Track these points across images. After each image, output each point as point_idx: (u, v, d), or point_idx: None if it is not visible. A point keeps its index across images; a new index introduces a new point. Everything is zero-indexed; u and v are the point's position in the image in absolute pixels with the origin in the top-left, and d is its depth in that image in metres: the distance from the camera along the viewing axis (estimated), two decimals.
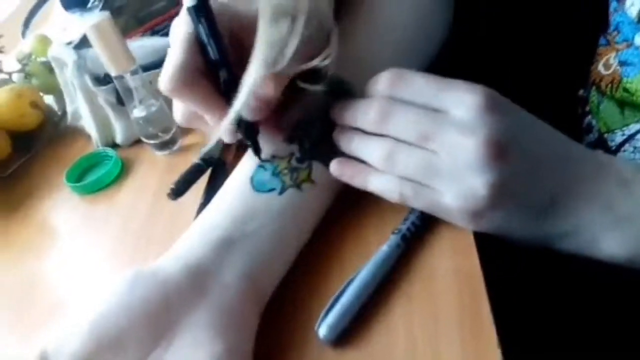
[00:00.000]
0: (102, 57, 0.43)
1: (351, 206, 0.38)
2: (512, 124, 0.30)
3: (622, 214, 0.30)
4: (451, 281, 0.32)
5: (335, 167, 0.35)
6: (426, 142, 0.31)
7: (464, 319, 0.30)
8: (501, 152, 0.29)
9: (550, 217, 0.31)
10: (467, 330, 0.29)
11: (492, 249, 0.34)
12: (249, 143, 0.35)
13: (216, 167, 0.44)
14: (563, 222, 0.31)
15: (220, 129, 0.33)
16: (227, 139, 0.34)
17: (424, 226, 0.35)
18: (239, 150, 0.47)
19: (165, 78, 0.32)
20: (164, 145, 0.49)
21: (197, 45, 0.32)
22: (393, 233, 0.34)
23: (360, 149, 0.34)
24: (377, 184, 0.34)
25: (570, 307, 0.42)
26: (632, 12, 0.41)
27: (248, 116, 0.33)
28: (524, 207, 0.31)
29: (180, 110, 0.36)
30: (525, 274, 0.43)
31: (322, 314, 0.31)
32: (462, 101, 0.30)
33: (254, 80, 0.31)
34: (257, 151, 0.36)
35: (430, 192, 0.31)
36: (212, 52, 0.32)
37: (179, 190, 0.42)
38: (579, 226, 0.31)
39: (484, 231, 0.33)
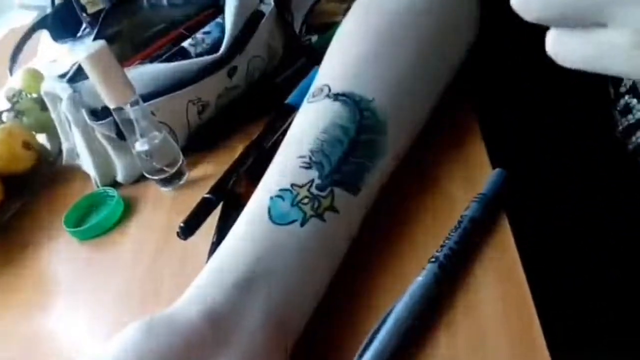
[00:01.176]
0: (99, 89, 0.45)
1: (381, 234, 0.39)
2: None
3: None
4: (498, 309, 0.32)
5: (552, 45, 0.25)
6: None
7: (514, 349, 0.30)
8: None
9: None
10: None
11: (540, 271, 0.34)
12: None
13: (228, 200, 0.46)
14: None
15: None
16: None
17: (463, 251, 0.36)
18: (251, 180, 0.49)
19: None
20: (170, 180, 0.51)
21: None
22: (429, 261, 0.35)
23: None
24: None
25: (632, 331, 0.42)
26: None
27: None
28: None
29: None
30: (577, 295, 0.43)
31: (358, 353, 0.31)
32: None
33: None
34: None
35: None
36: None
37: (189, 228, 0.43)
38: None
39: None
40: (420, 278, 0.34)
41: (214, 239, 0.43)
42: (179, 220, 0.45)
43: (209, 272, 0.34)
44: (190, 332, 0.30)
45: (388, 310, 0.33)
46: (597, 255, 0.43)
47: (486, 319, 0.32)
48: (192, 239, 0.44)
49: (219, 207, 0.46)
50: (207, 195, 0.46)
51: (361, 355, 0.31)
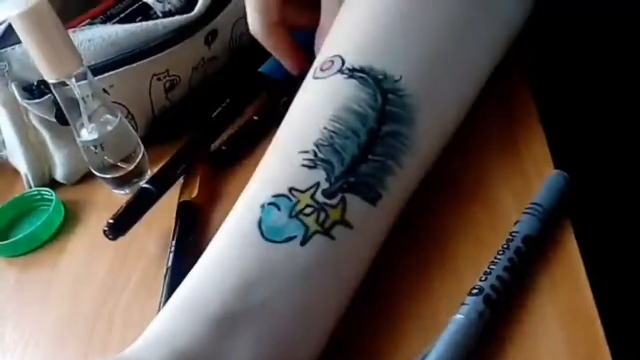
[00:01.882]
0: (34, 57, 0.45)
1: (407, 257, 0.39)
2: None
3: None
4: (563, 356, 0.32)
5: None
6: None
7: None
8: None
9: None
10: None
11: (615, 304, 0.34)
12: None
13: (181, 210, 0.47)
14: None
15: None
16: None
17: (515, 281, 0.35)
18: (212, 180, 0.49)
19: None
20: (126, 180, 0.51)
21: None
22: (471, 294, 0.34)
23: None
24: None
25: None
26: None
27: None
28: None
29: None
30: None
31: None
32: None
33: None
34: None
35: None
36: None
37: (118, 226, 0.44)
38: None
39: None
40: (460, 316, 0.33)
41: (169, 264, 0.43)
42: (141, 233, 0.45)
43: (176, 305, 0.34)
44: None
45: (420, 357, 0.32)
46: None
47: None
48: (158, 254, 0.44)
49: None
50: (146, 185, 0.47)
51: None
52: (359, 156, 0.37)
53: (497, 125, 0.41)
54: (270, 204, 0.36)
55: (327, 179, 0.36)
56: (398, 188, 0.38)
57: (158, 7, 0.56)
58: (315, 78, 0.41)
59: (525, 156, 0.41)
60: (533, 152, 0.41)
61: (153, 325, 0.33)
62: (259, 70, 0.56)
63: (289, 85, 0.45)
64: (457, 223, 0.40)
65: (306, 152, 0.37)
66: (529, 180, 0.41)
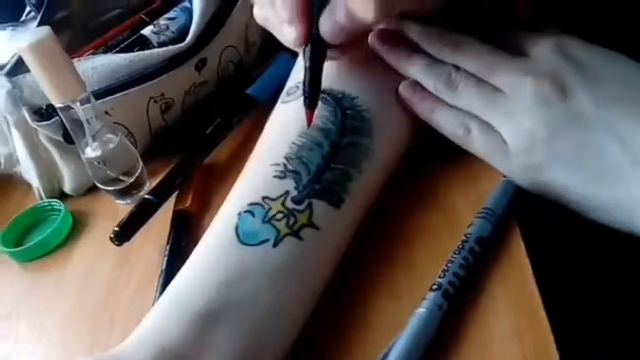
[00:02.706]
0: (42, 84, 0.44)
1: (372, 256, 0.39)
2: (581, 67, 0.37)
3: None
4: (513, 346, 0.32)
5: (406, 89, 0.42)
6: (491, 77, 0.39)
7: None
8: (564, 92, 0.36)
9: (628, 178, 0.34)
10: None
11: (561, 297, 0.34)
12: (307, 76, 0.38)
13: (176, 219, 0.47)
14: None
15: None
16: (296, 44, 0.38)
17: (470, 278, 0.35)
18: (201, 193, 0.49)
19: None
20: (127, 192, 0.50)
21: None
22: (432, 290, 0.34)
23: (424, 71, 0.41)
24: (443, 115, 0.41)
25: None
26: None
27: (327, 36, 0.37)
28: (593, 162, 0.35)
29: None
30: (603, 321, 0.43)
31: None
32: (534, 44, 0.39)
33: None
34: (312, 90, 0.38)
35: (492, 131, 0.39)
36: None
37: (124, 233, 0.44)
38: None
39: (539, 189, 0.38)
40: (422, 309, 0.33)
41: (163, 267, 0.43)
42: (139, 240, 0.45)
43: (164, 305, 0.33)
44: None
45: (385, 351, 0.32)
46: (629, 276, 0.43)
47: (499, 357, 0.32)
48: (154, 261, 0.44)
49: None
50: (148, 197, 0.46)
51: None
52: (323, 166, 0.37)
53: (453, 144, 0.41)
54: (246, 212, 0.36)
55: (296, 188, 0.36)
56: (360, 192, 0.38)
57: (154, 39, 0.55)
58: (283, 102, 0.42)
59: (477, 165, 0.41)
60: (484, 163, 0.40)
61: (143, 324, 0.33)
62: (246, 92, 0.55)
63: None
64: (417, 227, 0.40)
65: (277, 165, 0.37)
66: (481, 188, 0.41)
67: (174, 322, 0.32)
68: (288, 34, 0.38)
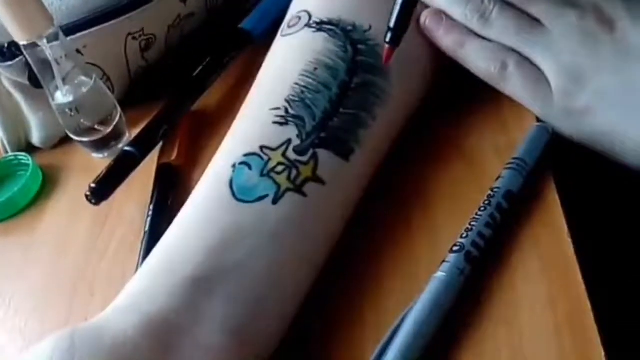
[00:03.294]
0: (3, 18, 0.44)
1: (386, 216, 0.39)
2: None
3: None
4: (545, 314, 0.32)
5: (430, 18, 0.41)
6: (529, 4, 0.39)
7: None
8: (610, 25, 0.37)
9: None
10: None
11: (600, 267, 0.34)
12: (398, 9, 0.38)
13: (160, 174, 0.47)
14: None
15: None
16: None
17: (497, 238, 0.35)
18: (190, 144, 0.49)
19: None
20: (104, 143, 0.50)
21: None
22: (452, 251, 0.34)
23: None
24: (473, 48, 0.40)
25: None
26: None
27: None
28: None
29: None
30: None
31: None
32: None
33: None
34: (396, 29, 0.38)
35: (532, 68, 0.39)
36: None
37: (101, 190, 0.44)
38: None
39: (583, 136, 0.38)
40: (441, 273, 0.33)
41: (146, 228, 0.43)
42: (119, 197, 0.45)
43: (150, 269, 0.34)
44: (123, 348, 0.30)
45: (400, 318, 0.32)
46: None
47: (529, 328, 0.32)
48: (137, 218, 0.44)
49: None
50: (127, 148, 0.47)
51: None
52: (330, 110, 0.37)
53: (479, 80, 0.41)
54: (241, 163, 0.36)
55: (299, 136, 0.36)
56: (372, 141, 0.38)
57: None
58: (283, 35, 0.42)
59: (507, 108, 0.41)
60: (515, 105, 0.40)
61: (127, 289, 0.33)
62: (239, 26, 0.55)
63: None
64: (437, 178, 0.40)
65: (277, 108, 0.37)
66: (511, 134, 0.41)
67: (162, 287, 0.32)
68: None
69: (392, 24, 0.37)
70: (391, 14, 0.38)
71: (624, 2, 0.38)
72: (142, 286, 0.33)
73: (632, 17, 0.37)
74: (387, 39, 0.38)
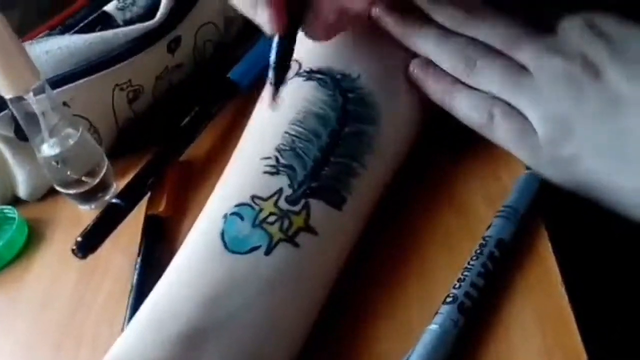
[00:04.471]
0: None
1: (377, 261, 0.39)
2: (613, 45, 0.37)
3: None
4: None
5: (417, 67, 0.42)
6: (514, 51, 0.39)
7: None
8: (592, 71, 0.36)
9: None
10: None
11: (594, 315, 0.34)
12: (274, 58, 0.37)
13: (148, 225, 0.47)
14: None
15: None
16: (268, 28, 0.37)
17: (489, 287, 0.35)
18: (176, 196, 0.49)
19: None
20: (91, 195, 0.50)
21: None
22: (445, 302, 0.34)
23: (437, 46, 0.41)
24: (461, 97, 0.40)
25: None
26: None
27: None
28: (632, 148, 0.35)
29: None
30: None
31: None
32: (562, 19, 0.39)
33: None
34: (278, 76, 0.37)
35: (519, 117, 0.38)
36: None
37: (88, 243, 0.44)
38: None
39: (571, 183, 0.37)
40: (434, 326, 0.33)
41: (134, 282, 0.43)
42: (106, 250, 0.45)
43: (140, 325, 0.33)
44: None
45: None
46: None
47: None
48: (124, 271, 0.44)
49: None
50: (115, 200, 0.47)
51: None
52: (321, 159, 0.37)
53: (469, 128, 0.41)
54: (232, 214, 0.36)
55: (290, 185, 0.36)
56: (363, 190, 0.38)
57: (119, 16, 0.55)
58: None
59: (497, 157, 0.41)
60: (505, 154, 0.40)
61: (117, 344, 0.33)
62: (227, 76, 0.55)
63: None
64: (429, 228, 0.40)
65: (268, 158, 0.37)
66: (501, 183, 0.41)
67: (151, 345, 0.32)
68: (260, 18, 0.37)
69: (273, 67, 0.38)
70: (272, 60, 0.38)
71: (609, 47, 0.38)
72: (132, 344, 0.32)
73: (618, 64, 0.37)
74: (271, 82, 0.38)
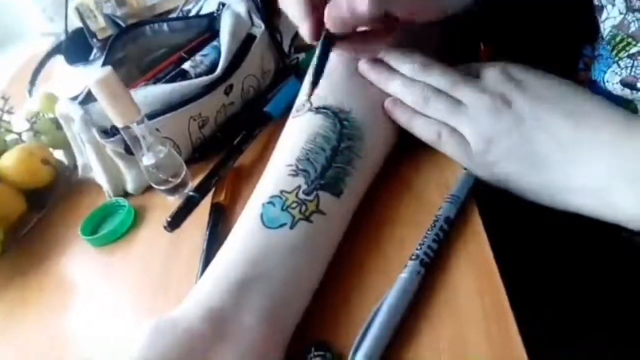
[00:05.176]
0: (107, 110, 0.44)
1: (366, 235, 0.38)
2: (520, 83, 0.38)
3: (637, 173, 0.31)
4: (475, 302, 0.32)
5: (389, 103, 0.41)
6: (455, 91, 0.39)
7: (491, 339, 0.29)
8: (506, 102, 0.37)
9: (559, 167, 0.34)
10: (496, 350, 0.29)
11: (513, 263, 0.34)
12: (315, 62, 0.38)
13: (214, 211, 0.47)
14: (573, 171, 0.34)
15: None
16: (308, 39, 0.38)
17: (440, 249, 0.35)
18: (233, 190, 0.48)
19: None
20: (176, 190, 0.50)
21: None
22: (411, 259, 0.34)
23: (402, 89, 0.41)
24: (419, 123, 0.40)
25: (601, 304, 0.41)
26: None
27: (331, 26, 0.37)
28: (530, 154, 0.35)
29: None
30: (548, 283, 0.42)
31: (354, 344, 0.30)
32: (486, 68, 0.40)
33: None
34: (317, 76, 0.38)
35: (459, 135, 0.38)
36: None
37: (174, 222, 0.45)
38: (590, 180, 0.33)
39: (494, 180, 0.38)
40: (404, 274, 0.33)
41: (204, 246, 0.43)
42: (185, 227, 0.45)
43: (209, 275, 0.33)
44: (191, 333, 0.30)
45: (378, 304, 0.32)
46: (564, 245, 0.43)
47: (464, 314, 0.31)
48: (198, 241, 0.44)
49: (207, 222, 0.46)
50: (191, 193, 0.47)
51: (357, 348, 0.30)
52: (326, 165, 0.37)
53: (425, 145, 0.41)
54: (268, 202, 0.36)
55: (306, 183, 0.36)
56: (355, 184, 0.38)
57: (192, 71, 0.55)
58: (293, 117, 0.42)
59: (444, 160, 0.41)
60: (450, 159, 0.40)
61: (192, 291, 0.33)
62: (264, 110, 0.55)
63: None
64: (400, 209, 0.40)
65: (290, 165, 0.37)
66: (446, 177, 0.41)
67: (218, 289, 0.32)
68: (302, 31, 0.38)
69: (313, 74, 0.38)
70: (314, 66, 0.39)
71: (517, 86, 0.38)
72: (203, 289, 0.33)
73: (522, 97, 0.37)
74: (311, 83, 0.39)
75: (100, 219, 0.52)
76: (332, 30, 0.37)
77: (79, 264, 0.50)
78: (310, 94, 0.39)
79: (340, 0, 0.35)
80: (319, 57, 0.38)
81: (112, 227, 0.49)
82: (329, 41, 0.38)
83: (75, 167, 0.57)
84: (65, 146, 0.58)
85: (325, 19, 0.37)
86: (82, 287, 0.47)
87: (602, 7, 0.41)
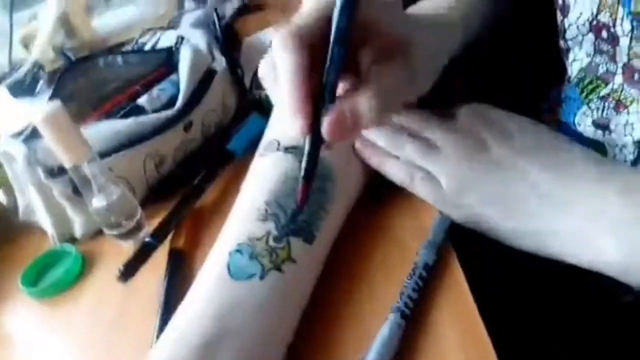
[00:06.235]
0: (54, 149, 0.41)
1: (340, 284, 0.36)
2: (494, 124, 0.37)
3: (617, 218, 0.31)
4: (459, 350, 0.30)
5: (360, 145, 0.40)
6: (427, 132, 0.38)
7: None
8: (482, 145, 0.36)
9: (538, 212, 0.33)
10: None
11: (495, 312, 0.32)
12: (306, 157, 0.31)
13: (171, 257, 0.43)
14: (552, 216, 0.33)
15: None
16: (295, 131, 0.30)
17: (420, 298, 0.33)
18: (193, 234, 0.45)
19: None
20: (130, 234, 0.46)
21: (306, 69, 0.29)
22: (392, 312, 0.32)
23: (378, 132, 0.40)
24: (391, 165, 0.39)
25: (589, 354, 0.40)
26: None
27: (330, 136, 0.30)
28: (508, 199, 0.35)
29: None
30: (531, 329, 0.41)
31: None
32: (459, 109, 0.39)
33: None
34: (308, 171, 0.31)
35: (431, 177, 0.38)
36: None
37: (128, 271, 0.41)
38: (569, 224, 0.33)
39: (469, 223, 0.37)
40: (386, 330, 0.31)
41: (162, 299, 0.39)
42: (140, 276, 0.41)
43: (170, 334, 0.31)
44: None
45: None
46: (548, 292, 0.42)
47: None
48: (155, 296, 0.40)
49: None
50: (148, 239, 0.44)
51: None
52: (297, 209, 0.35)
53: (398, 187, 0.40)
54: (235, 250, 0.33)
55: (276, 228, 0.34)
56: (327, 228, 0.36)
57: (148, 107, 0.53)
58: (261, 155, 0.40)
59: (419, 203, 0.39)
60: (424, 202, 0.39)
61: (152, 353, 0.30)
62: (226, 147, 0.53)
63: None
64: (375, 259, 0.38)
65: (259, 209, 0.35)
66: (422, 220, 0.39)
67: (180, 350, 0.29)
68: (291, 125, 0.30)
69: (305, 170, 0.31)
70: (304, 162, 0.31)
71: (493, 129, 0.37)
72: (164, 350, 0.30)
73: (498, 141, 0.37)
74: (304, 179, 0.31)
75: (44, 268, 0.48)
76: (331, 139, 0.30)
77: (18, 318, 0.45)
78: (305, 193, 0.32)
79: (344, 115, 0.29)
80: (310, 153, 0.31)
81: (57, 276, 0.45)
82: (320, 136, 0.30)
83: (17, 208, 0.52)
84: (6, 185, 0.53)
85: (327, 132, 0.30)
86: (20, 346, 0.43)
87: (568, 50, 0.42)
